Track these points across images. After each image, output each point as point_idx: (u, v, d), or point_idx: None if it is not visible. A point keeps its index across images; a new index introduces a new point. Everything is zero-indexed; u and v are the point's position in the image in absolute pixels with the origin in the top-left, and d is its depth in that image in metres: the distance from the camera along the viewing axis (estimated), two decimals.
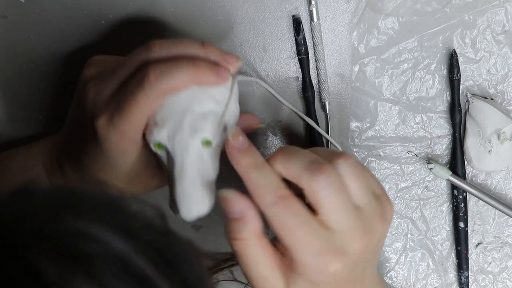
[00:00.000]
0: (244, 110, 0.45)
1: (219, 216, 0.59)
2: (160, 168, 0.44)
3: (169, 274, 0.25)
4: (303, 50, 0.54)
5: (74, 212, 0.25)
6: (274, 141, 0.57)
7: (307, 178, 0.37)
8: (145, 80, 0.39)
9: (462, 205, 0.57)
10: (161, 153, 0.41)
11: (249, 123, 0.45)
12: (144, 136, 0.42)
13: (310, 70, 0.55)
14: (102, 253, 0.23)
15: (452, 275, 0.59)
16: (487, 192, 0.56)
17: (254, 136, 0.55)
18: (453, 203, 0.58)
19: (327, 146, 0.56)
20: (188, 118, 0.40)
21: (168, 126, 0.40)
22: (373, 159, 0.57)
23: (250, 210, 0.38)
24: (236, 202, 0.38)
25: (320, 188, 0.36)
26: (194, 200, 0.39)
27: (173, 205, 0.40)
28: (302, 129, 0.56)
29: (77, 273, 0.22)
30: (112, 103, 0.41)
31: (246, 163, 0.38)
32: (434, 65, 0.56)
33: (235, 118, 0.43)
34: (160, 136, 0.40)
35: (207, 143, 0.40)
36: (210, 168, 0.40)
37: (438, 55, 0.56)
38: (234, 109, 0.42)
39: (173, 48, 0.41)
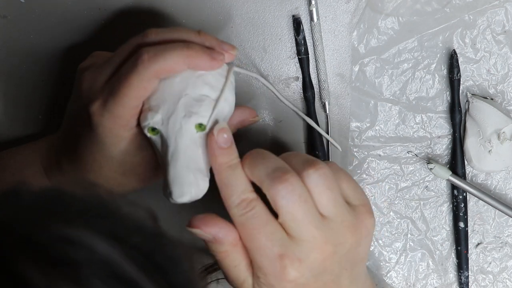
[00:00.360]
0: None
1: (219, 215, 0.59)
2: (156, 161, 0.44)
3: (158, 279, 0.25)
4: (303, 50, 0.54)
5: (61, 217, 0.24)
6: (274, 141, 0.57)
7: (267, 185, 0.37)
8: (139, 61, 0.39)
9: (462, 205, 0.57)
10: (155, 138, 0.41)
11: (245, 116, 0.46)
12: (138, 123, 0.42)
13: (310, 70, 0.55)
14: (89, 259, 0.23)
15: (452, 275, 0.59)
16: (487, 192, 0.56)
17: (255, 135, 0.55)
18: (453, 203, 0.58)
19: (327, 146, 0.56)
20: (182, 102, 0.40)
21: (162, 110, 0.40)
22: (373, 159, 0.57)
23: (221, 231, 0.39)
24: (203, 234, 0.39)
25: (279, 197, 0.37)
26: (186, 183, 0.39)
27: (166, 189, 0.40)
28: (302, 129, 0.56)
29: (64, 280, 0.22)
30: (106, 88, 0.41)
31: (221, 161, 0.38)
32: (434, 65, 0.56)
33: (230, 108, 0.42)
34: (154, 120, 0.40)
35: (201, 126, 0.40)
36: (205, 153, 0.40)
37: (438, 55, 0.56)
38: (229, 98, 0.42)
39: (168, 34, 0.42)
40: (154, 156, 0.43)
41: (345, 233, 0.39)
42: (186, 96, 0.40)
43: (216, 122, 0.40)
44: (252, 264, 0.39)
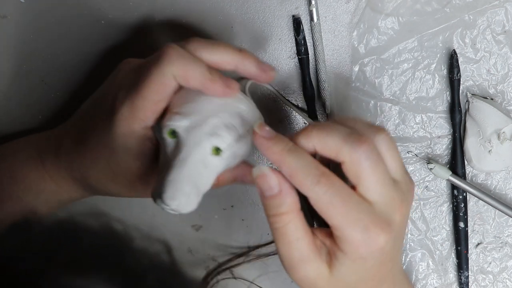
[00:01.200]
0: None
1: (219, 216, 0.59)
2: (149, 176, 0.44)
3: None
4: (303, 50, 0.54)
5: (72, 261, 0.24)
6: None
7: (347, 150, 0.36)
8: (162, 55, 0.41)
9: (462, 205, 0.57)
10: (169, 141, 0.41)
11: (245, 174, 0.45)
12: (154, 129, 0.43)
13: (310, 70, 0.55)
14: None
15: (452, 275, 0.59)
16: (487, 192, 0.56)
17: None
18: (453, 203, 0.58)
19: None
20: (212, 121, 0.40)
21: (192, 119, 0.40)
22: None
23: (286, 183, 0.37)
24: (271, 177, 0.37)
25: (362, 159, 0.36)
26: (182, 190, 0.39)
27: (159, 189, 0.40)
28: None
29: None
30: (133, 79, 0.43)
31: (278, 149, 0.37)
32: (434, 65, 0.56)
33: (247, 149, 0.43)
34: (180, 124, 0.40)
35: (217, 151, 0.40)
36: (207, 177, 0.41)
37: (438, 55, 0.56)
38: (249, 141, 0.42)
39: (210, 47, 0.43)
40: (149, 171, 0.44)
41: (408, 196, 0.39)
42: (218, 117, 0.41)
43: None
44: (334, 242, 0.38)
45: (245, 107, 0.43)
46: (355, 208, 0.36)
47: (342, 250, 0.37)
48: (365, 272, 0.38)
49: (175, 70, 0.40)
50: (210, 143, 0.40)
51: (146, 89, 0.41)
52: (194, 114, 0.41)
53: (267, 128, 0.38)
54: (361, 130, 0.38)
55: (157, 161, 0.44)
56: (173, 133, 0.41)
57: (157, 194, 0.39)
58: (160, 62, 0.40)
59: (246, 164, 0.45)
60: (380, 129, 0.38)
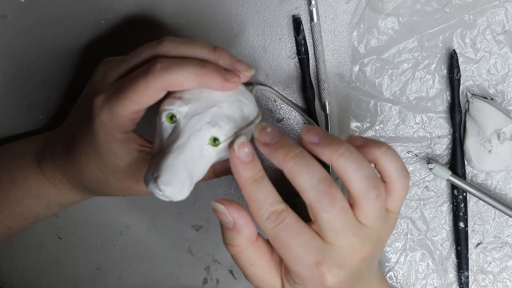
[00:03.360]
0: None
1: None
2: (139, 175, 0.44)
3: None
4: (303, 50, 0.54)
5: None
6: None
7: (311, 196, 0.37)
8: (151, 70, 0.40)
9: (462, 205, 0.57)
10: (166, 125, 0.40)
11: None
12: (133, 130, 0.42)
13: (310, 70, 0.55)
14: None
15: (452, 275, 0.59)
16: (487, 192, 0.56)
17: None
18: (453, 203, 0.58)
19: None
20: (213, 110, 0.40)
21: (192, 106, 0.40)
22: None
23: (242, 219, 0.39)
24: (225, 214, 0.39)
25: (321, 210, 0.37)
26: (177, 177, 0.38)
27: (153, 172, 0.38)
28: None
29: None
30: (114, 86, 0.42)
31: (245, 176, 0.38)
32: (434, 65, 0.56)
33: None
34: (180, 109, 0.40)
35: (215, 141, 0.40)
36: (201, 166, 0.40)
37: (438, 55, 0.56)
38: (248, 136, 0.42)
39: (184, 47, 0.42)
40: (139, 170, 0.44)
41: (378, 238, 0.39)
42: (219, 107, 0.40)
43: (234, 139, 0.40)
44: (285, 270, 0.39)
45: (246, 100, 0.42)
46: (303, 245, 0.37)
47: (292, 280, 0.39)
48: None
49: (163, 84, 0.39)
50: (210, 132, 0.40)
51: (128, 100, 0.40)
52: (195, 101, 0.40)
53: (247, 149, 0.38)
54: (355, 181, 0.37)
55: (145, 158, 0.44)
56: (172, 118, 0.40)
57: (151, 178, 0.38)
58: (147, 76, 0.39)
59: None
60: (376, 187, 0.37)
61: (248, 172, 0.38)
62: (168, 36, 0.42)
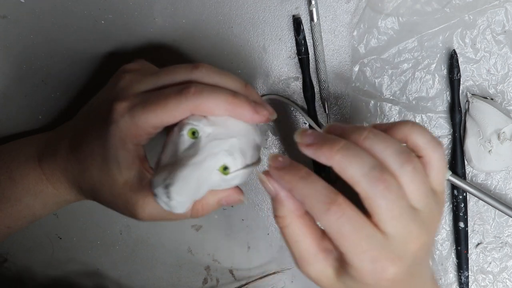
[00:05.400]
0: None
1: (219, 216, 0.59)
2: (135, 191, 0.44)
3: None
4: (303, 50, 0.54)
5: None
6: (274, 141, 0.57)
7: (365, 185, 0.36)
8: (184, 92, 0.40)
9: (462, 205, 0.57)
10: (185, 138, 0.41)
11: (232, 195, 0.45)
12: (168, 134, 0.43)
13: (310, 70, 0.55)
14: None
15: (452, 275, 0.59)
16: (487, 192, 0.56)
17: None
18: (453, 203, 0.58)
19: None
20: (233, 141, 0.41)
21: (216, 130, 0.41)
22: None
23: (281, 192, 0.39)
24: (267, 184, 0.39)
25: (378, 197, 0.36)
26: (188, 191, 0.39)
27: (165, 179, 0.39)
28: None
29: None
30: (141, 96, 0.42)
31: (289, 177, 0.38)
32: (434, 65, 0.56)
33: (244, 179, 0.44)
34: (204, 129, 0.41)
35: (224, 170, 0.41)
36: (205, 187, 0.41)
37: (438, 55, 0.56)
38: (247, 173, 0.43)
39: (218, 76, 0.43)
40: (132, 189, 0.44)
41: (432, 222, 0.39)
42: (238, 140, 0.41)
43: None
44: (339, 261, 0.39)
45: (259, 141, 0.43)
46: (364, 240, 0.36)
47: (349, 273, 0.38)
48: None
49: (193, 106, 0.40)
50: (224, 160, 0.41)
51: (153, 114, 0.41)
52: (219, 126, 0.41)
53: (280, 158, 0.39)
54: (388, 159, 0.37)
55: (140, 181, 0.44)
56: (194, 133, 0.41)
57: (161, 183, 0.39)
58: (180, 96, 0.40)
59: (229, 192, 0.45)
60: (409, 161, 0.37)
61: (290, 172, 0.38)
62: (204, 63, 0.43)
